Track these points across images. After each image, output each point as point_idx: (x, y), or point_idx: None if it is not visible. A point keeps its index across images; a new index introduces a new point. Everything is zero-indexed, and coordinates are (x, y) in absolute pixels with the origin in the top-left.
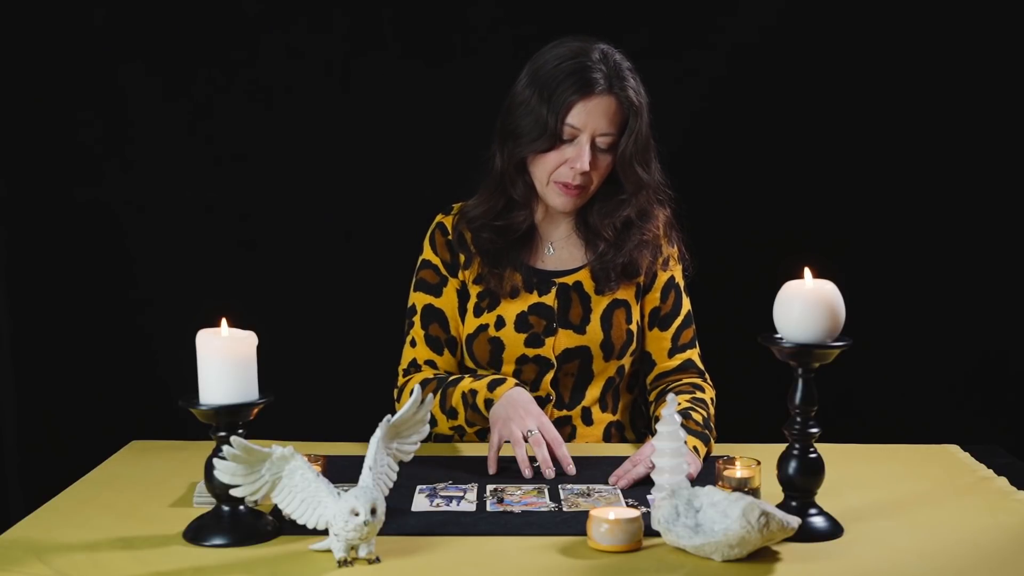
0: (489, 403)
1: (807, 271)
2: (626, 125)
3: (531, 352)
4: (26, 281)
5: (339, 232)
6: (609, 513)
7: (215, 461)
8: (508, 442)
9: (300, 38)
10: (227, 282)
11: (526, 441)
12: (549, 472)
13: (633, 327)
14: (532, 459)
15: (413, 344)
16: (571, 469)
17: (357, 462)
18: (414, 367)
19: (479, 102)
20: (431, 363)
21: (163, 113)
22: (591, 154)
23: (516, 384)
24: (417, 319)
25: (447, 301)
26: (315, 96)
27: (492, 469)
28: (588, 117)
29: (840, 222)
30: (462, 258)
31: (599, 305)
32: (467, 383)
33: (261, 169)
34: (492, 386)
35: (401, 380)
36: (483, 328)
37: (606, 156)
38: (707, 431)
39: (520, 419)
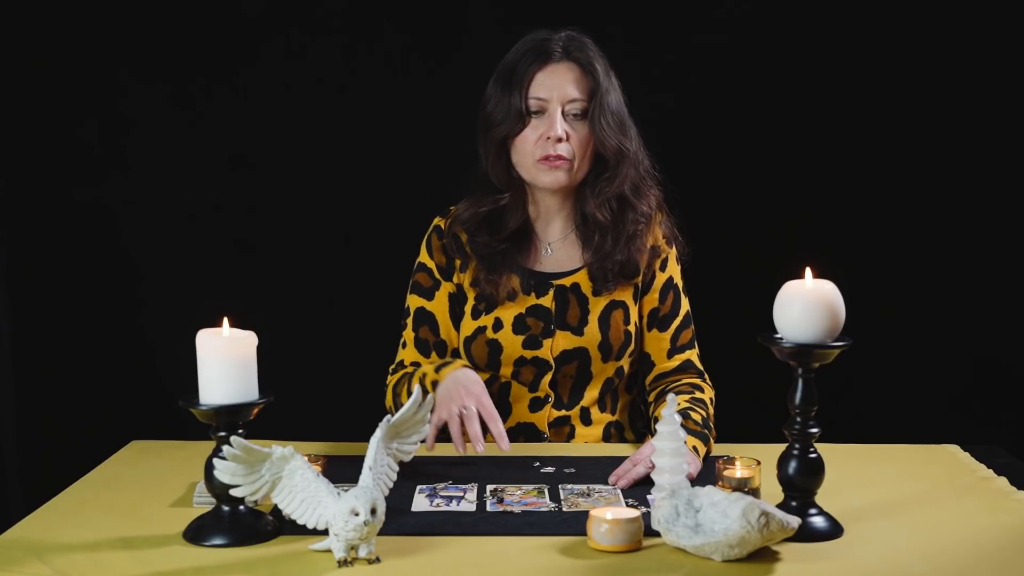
0: (436, 384)
1: (807, 271)
2: (595, 92)
3: (529, 354)
4: (26, 281)
5: (339, 232)
6: (609, 513)
7: (215, 461)
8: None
9: (300, 39)
10: (227, 282)
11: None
12: (479, 447)
13: (631, 328)
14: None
15: (404, 346)
16: (504, 444)
17: (357, 462)
18: (401, 368)
19: (479, 103)
20: (417, 365)
21: (163, 113)
22: (565, 123)
23: (464, 365)
24: (410, 321)
25: (438, 305)
26: (315, 97)
27: (429, 446)
28: (552, 86)
29: (840, 222)
30: (458, 262)
31: (596, 306)
32: (423, 370)
33: (261, 169)
34: (439, 368)
35: (388, 379)
36: (481, 330)
37: (581, 125)
38: (706, 431)
39: (459, 397)
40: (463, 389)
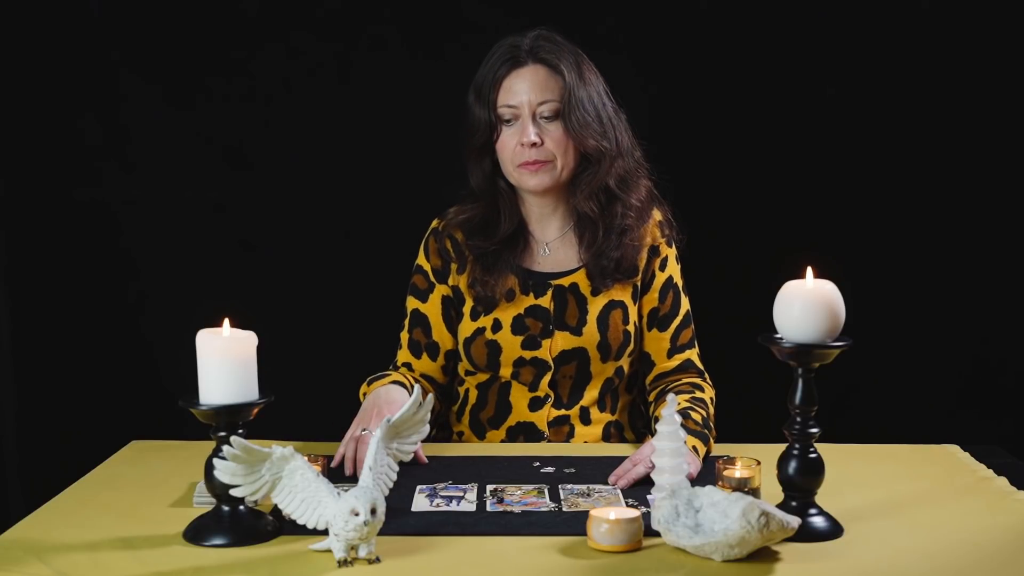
0: (366, 397)
1: (807, 271)
2: (565, 91)
3: (528, 355)
4: (26, 281)
5: (339, 232)
6: (609, 513)
7: (215, 461)
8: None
9: (299, 38)
10: (227, 282)
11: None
12: (358, 472)
13: (630, 328)
14: None
15: (400, 346)
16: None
17: None
18: (394, 368)
19: None
20: (407, 365)
21: (163, 113)
22: (539, 127)
23: (395, 381)
24: (407, 323)
25: (432, 307)
26: (315, 96)
27: (335, 462)
28: (521, 91)
29: (840, 222)
30: (454, 265)
31: (595, 306)
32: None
33: (261, 169)
34: (372, 381)
35: None
36: (480, 331)
37: (555, 125)
38: (706, 431)
39: (367, 419)
40: (375, 409)
